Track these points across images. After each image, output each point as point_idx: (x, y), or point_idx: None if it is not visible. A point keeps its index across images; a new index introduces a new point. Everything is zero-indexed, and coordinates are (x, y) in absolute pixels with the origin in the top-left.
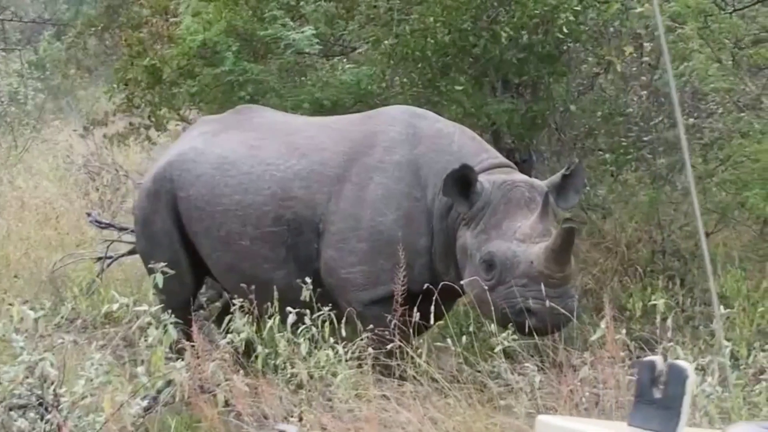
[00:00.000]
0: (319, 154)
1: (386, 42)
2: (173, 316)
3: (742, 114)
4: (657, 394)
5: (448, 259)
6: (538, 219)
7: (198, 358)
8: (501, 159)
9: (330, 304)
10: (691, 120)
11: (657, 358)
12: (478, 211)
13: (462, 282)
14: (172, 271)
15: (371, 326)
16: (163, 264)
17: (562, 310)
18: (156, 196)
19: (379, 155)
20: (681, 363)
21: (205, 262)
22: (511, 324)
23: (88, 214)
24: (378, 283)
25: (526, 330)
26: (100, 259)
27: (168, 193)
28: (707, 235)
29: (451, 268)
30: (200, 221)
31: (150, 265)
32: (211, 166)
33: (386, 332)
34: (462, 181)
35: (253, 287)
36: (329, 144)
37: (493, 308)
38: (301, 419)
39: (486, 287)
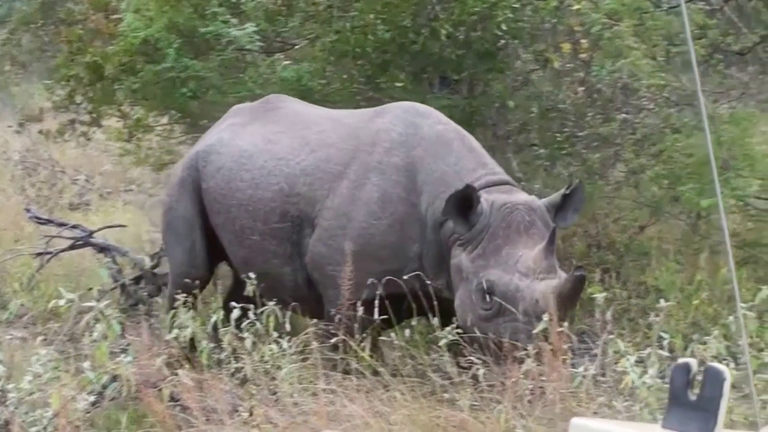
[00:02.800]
0: (326, 150)
1: (326, 39)
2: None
3: (672, 110)
4: (692, 396)
5: (440, 268)
6: (543, 254)
7: (150, 351)
8: (499, 175)
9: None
10: (623, 115)
11: (692, 361)
12: (477, 234)
13: (455, 302)
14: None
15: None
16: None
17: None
18: (182, 185)
19: (378, 155)
20: (718, 365)
21: (220, 255)
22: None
23: (28, 210)
24: (364, 285)
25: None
26: (39, 254)
27: (194, 182)
28: (641, 229)
29: (441, 277)
30: (219, 214)
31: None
32: (231, 158)
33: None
34: (464, 202)
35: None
36: (337, 140)
37: (485, 333)
38: (251, 413)
39: (482, 315)
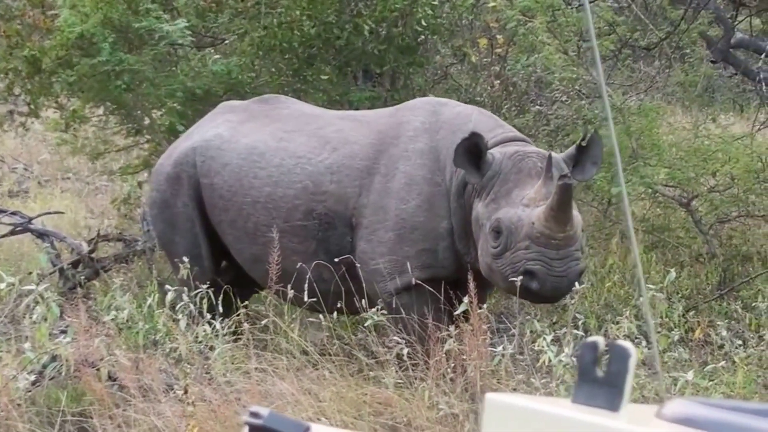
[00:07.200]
0: (349, 147)
1: (254, 34)
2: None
3: (583, 102)
4: (599, 372)
5: (467, 237)
6: (542, 183)
7: (87, 332)
8: (515, 133)
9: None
10: (537, 107)
11: (599, 339)
12: (489, 181)
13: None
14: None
15: (401, 315)
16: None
17: (563, 273)
18: (177, 180)
19: (403, 145)
20: (623, 343)
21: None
22: (516, 289)
23: None
24: (402, 271)
25: (531, 294)
26: None
27: (190, 178)
28: None
29: (470, 248)
30: (225, 211)
31: (169, 249)
32: (238, 155)
33: (418, 321)
34: (472, 151)
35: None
36: (358, 137)
37: (500, 275)
38: (185, 392)
39: (493, 254)
